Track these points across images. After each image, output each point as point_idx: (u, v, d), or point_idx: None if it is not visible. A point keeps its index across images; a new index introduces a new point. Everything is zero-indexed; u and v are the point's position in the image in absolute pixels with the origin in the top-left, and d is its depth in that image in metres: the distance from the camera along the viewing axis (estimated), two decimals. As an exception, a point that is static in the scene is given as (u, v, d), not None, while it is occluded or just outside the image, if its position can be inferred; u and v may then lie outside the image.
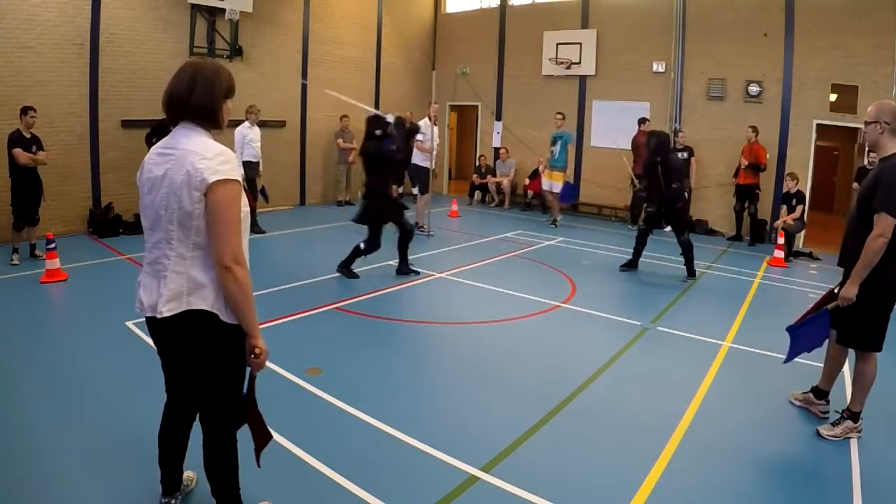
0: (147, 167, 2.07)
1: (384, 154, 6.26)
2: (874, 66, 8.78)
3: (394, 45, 13.21)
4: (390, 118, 6.36)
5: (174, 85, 2.04)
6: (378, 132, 6.24)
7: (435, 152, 9.11)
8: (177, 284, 2.00)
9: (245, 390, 2.24)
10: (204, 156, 1.95)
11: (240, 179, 2.02)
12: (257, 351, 2.08)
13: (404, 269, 6.68)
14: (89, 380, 3.81)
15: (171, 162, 1.98)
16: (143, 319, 2.18)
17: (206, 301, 2.00)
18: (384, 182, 6.43)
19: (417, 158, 8.90)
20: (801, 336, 3.63)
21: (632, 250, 7.39)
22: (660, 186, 6.86)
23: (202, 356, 2.08)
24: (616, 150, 10.83)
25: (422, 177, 9.17)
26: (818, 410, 3.69)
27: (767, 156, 9.46)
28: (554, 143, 10.08)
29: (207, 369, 2.11)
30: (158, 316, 2.02)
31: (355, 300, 5.67)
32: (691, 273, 7.06)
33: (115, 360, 4.09)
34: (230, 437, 2.26)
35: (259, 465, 2.36)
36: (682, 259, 7.06)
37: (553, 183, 10.33)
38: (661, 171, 6.80)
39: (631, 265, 7.35)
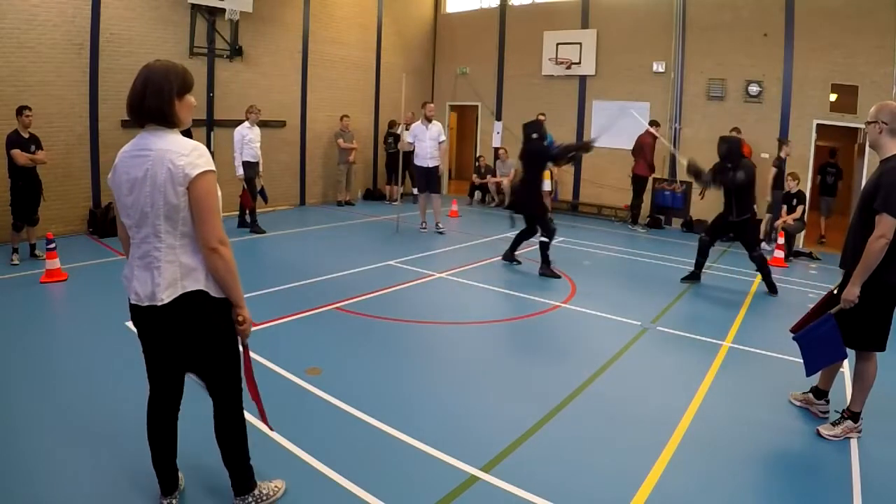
0: (122, 169, 2.19)
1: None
2: (874, 66, 8.78)
3: (394, 45, 13.20)
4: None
5: (130, 91, 2.15)
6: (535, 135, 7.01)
7: (428, 152, 9.20)
8: (171, 272, 2.16)
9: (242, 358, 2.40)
10: (181, 153, 2.10)
11: (214, 169, 2.16)
12: (240, 319, 2.27)
13: (509, 256, 7.45)
14: (89, 380, 3.81)
15: (150, 162, 2.11)
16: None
17: (198, 282, 2.19)
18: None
19: (417, 159, 9.34)
20: (814, 346, 3.49)
21: (693, 262, 6.90)
22: (729, 196, 6.46)
23: (201, 331, 2.24)
24: (616, 150, 10.82)
25: (418, 175, 9.54)
26: (818, 410, 3.69)
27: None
28: None
29: (208, 342, 2.27)
30: (158, 304, 2.15)
31: (355, 300, 5.67)
32: (773, 289, 6.56)
33: (116, 361, 4.08)
34: (238, 403, 2.41)
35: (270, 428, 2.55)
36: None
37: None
38: (729, 180, 6.38)
39: (693, 277, 6.86)
